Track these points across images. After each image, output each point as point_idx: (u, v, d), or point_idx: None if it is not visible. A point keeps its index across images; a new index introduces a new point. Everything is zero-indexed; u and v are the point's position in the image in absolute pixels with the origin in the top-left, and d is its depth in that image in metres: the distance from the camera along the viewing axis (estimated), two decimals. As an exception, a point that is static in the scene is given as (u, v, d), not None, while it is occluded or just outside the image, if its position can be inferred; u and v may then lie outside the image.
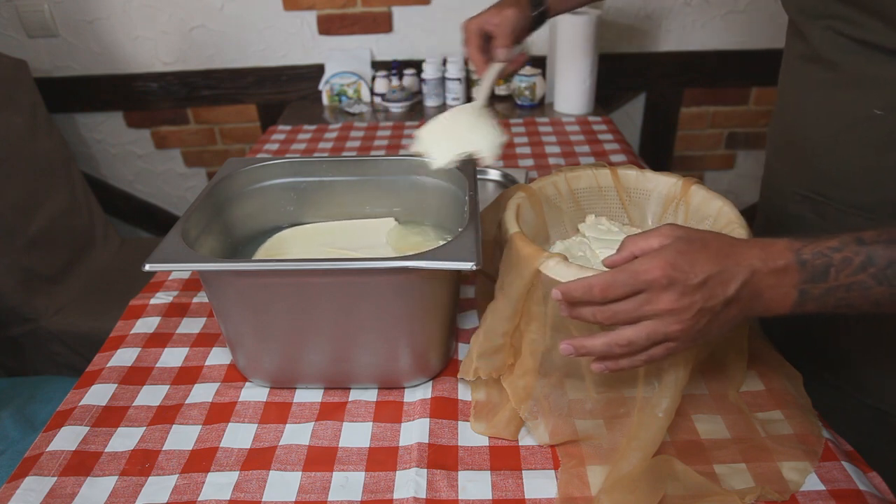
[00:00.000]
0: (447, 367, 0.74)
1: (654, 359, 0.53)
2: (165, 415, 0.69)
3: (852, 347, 0.74)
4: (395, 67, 1.77)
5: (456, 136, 0.79)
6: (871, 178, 0.66)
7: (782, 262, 0.50)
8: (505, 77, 0.83)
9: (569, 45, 1.56)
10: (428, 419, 0.67)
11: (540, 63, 1.73)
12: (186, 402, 0.71)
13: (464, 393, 0.71)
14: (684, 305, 0.49)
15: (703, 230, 0.53)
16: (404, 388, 0.72)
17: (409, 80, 1.75)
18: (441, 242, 0.83)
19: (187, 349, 0.79)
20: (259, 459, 0.63)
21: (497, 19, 0.81)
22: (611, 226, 0.79)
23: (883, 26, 0.59)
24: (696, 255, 0.49)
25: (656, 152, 2.02)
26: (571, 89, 1.61)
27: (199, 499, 0.59)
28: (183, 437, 0.66)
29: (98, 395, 0.72)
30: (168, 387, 0.73)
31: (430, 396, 0.70)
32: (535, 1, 0.86)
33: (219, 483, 0.61)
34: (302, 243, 0.84)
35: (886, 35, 0.59)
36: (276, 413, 0.69)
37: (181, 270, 0.93)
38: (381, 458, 0.63)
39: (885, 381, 0.71)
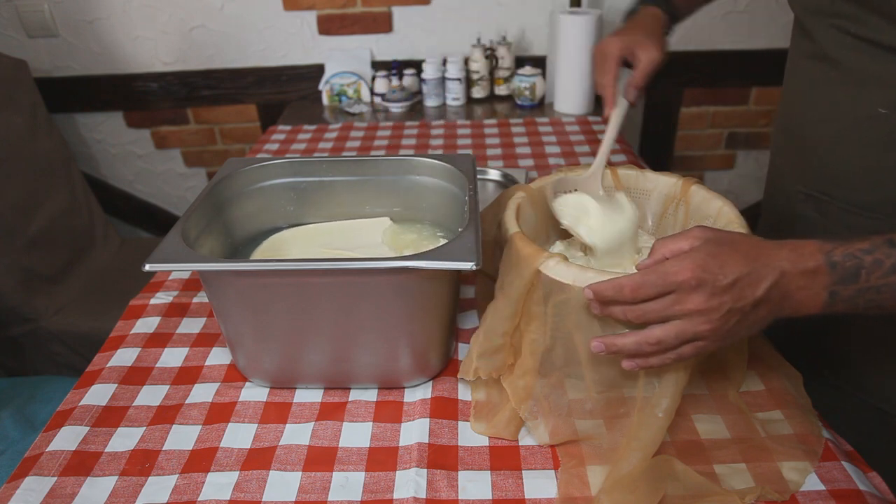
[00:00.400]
0: (447, 367, 0.74)
1: (683, 357, 0.54)
2: (165, 415, 0.69)
3: (853, 347, 0.74)
4: (395, 67, 1.77)
5: (599, 217, 0.71)
6: (874, 177, 0.66)
7: (812, 264, 0.50)
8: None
9: (569, 45, 1.56)
10: (428, 419, 0.67)
11: (540, 63, 1.74)
12: (186, 402, 0.71)
13: (464, 393, 0.71)
14: (714, 306, 0.50)
15: (732, 232, 0.53)
16: (404, 388, 0.72)
17: (409, 80, 1.75)
18: (437, 239, 0.84)
19: (187, 349, 0.79)
20: (259, 459, 0.63)
21: (646, 55, 0.76)
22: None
23: (887, 24, 0.59)
24: (725, 257, 0.50)
25: (656, 152, 2.02)
26: (571, 89, 1.61)
27: (199, 499, 0.59)
28: (183, 437, 0.66)
29: (98, 395, 0.72)
30: (168, 387, 0.73)
31: (430, 396, 0.70)
32: (671, 17, 0.83)
33: (219, 483, 0.61)
34: (298, 244, 0.84)
35: (891, 33, 0.59)
36: (276, 413, 0.69)
37: (181, 270, 0.93)
38: (381, 458, 0.63)
39: (886, 380, 0.71)
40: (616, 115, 0.77)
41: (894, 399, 0.71)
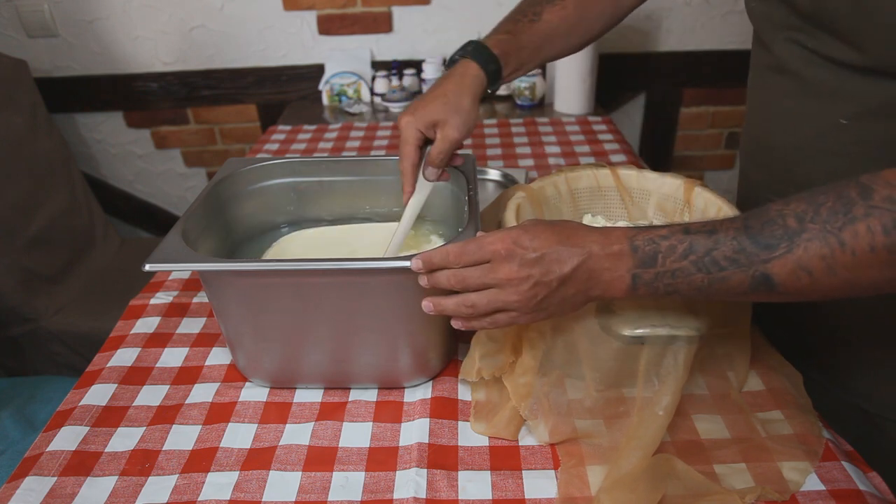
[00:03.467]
0: (447, 367, 0.74)
1: (498, 324, 0.58)
2: (165, 415, 0.69)
3: (837, 347, 0.74)
4: (395, 67, 1.77)
5: None
6: None
7: (617, 248, 0.53)
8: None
9: (569, 45, 1.56)
10: (428, 419, 0.67)
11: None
12: (186, 402, 0.71)
13: (464, 393, 0.71)
14: (521, 276, 0.54)
15: (557, 220, 0.57)
16: (404, 388, 0.72)
17: (409, 80, 1.75)
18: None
19: (187, 349, 0.79)
20: (259, 459, 0.63)
21: (444, 134, 0.69)
22: (605, 223, 0.79)
23: (838, 42, 0.58)
24: (538, 233, 0.54)
25: (656, 152, 2.02)
26: (571, 89, 1.61)
27: (199, 499, 0.59)
28: (183, 437, 0.66)
29: (98, 395, 0.72)
30: (168, 387, 0.73)
31: (430, 396, 0.70)
32: (491, 76, 0.73)
33: (219, 483, 0.61)
34: (304, 250, 0.83)
35: (843, 51, 0.58)
36: (276, 413, 0.69)
37: (181, 270, 0.93)
38: (381, 458, 0.63)
39: (869, 381, 0.71)
40: (416, 198, 0.74)
41: (876, 399, 0.71)
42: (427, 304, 0.60)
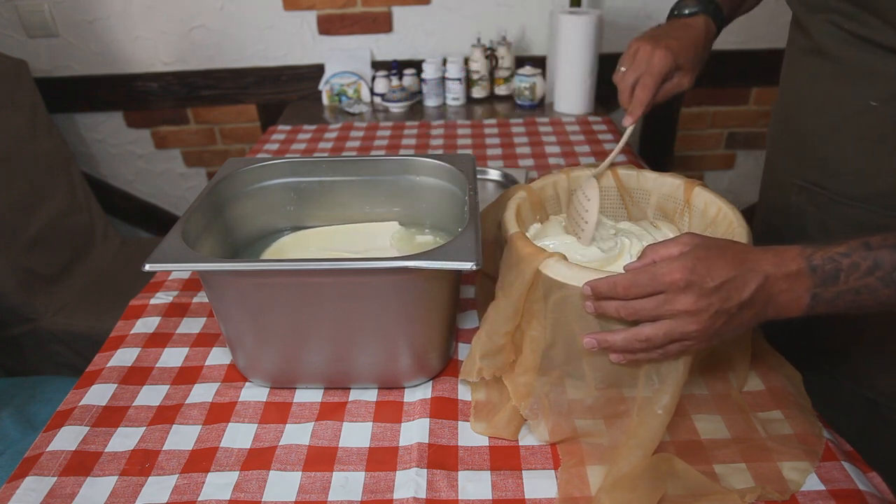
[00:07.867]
0: (447, 367, 0.74)
1: (668, 355, 0.57)
2: (165, 415, 0.69)
3: (849, 339, 0.74)
4: (395, 67, 1.77)
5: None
6: (866, 169, 0.67)
7: (794, 268, 0.52)
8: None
9: (569, 45, 1.56)
10: (428, 419, 0.67)
11: (540, 63, 1.73)
12: (186, 402, 0.71)
13: (464, 393, 0.71)
14: (702, 307, 0.53)
15: (719, 238, 0.56)
16: (404, 388, 0.72)
17: (409, 80, 1.75)
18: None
19: (187, 349, 0.79)
20: (259, 459, 0.63)
21: (679, 83, 0.76)
22: (605, 223, 0.79)
23: (880, 23, 0.60)
24: (713, 261, 0.53)
25: (656, 152, 2.02)
26: (571, 89, 1.61)
27: (199, 499, 0.59)
28: (183, 437, 0.66)
29: (98, 395, 0.72)
30: (168, 387, 0.73)
31: (430, 396, 0.70)
32: (719, 23, 0.81)
33: (219, 483, 0.61)
34: (303, 250, 0.84)
35: (883, 31, 0.60)
36: (276, 413, 0.69)
37: (181, 270, 0.93)
38: (381, 458, 0.63)
39: (879, 373, 0.71)
40: (630, 129, 0.78)
41: (886, 391, 0.71)
42: (590, 342, 0.58)
